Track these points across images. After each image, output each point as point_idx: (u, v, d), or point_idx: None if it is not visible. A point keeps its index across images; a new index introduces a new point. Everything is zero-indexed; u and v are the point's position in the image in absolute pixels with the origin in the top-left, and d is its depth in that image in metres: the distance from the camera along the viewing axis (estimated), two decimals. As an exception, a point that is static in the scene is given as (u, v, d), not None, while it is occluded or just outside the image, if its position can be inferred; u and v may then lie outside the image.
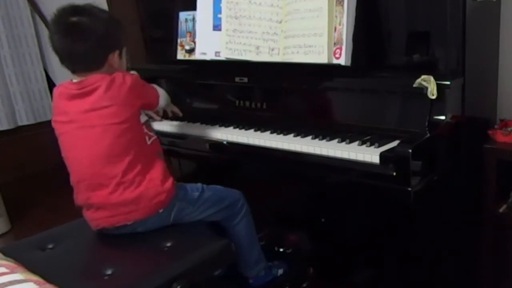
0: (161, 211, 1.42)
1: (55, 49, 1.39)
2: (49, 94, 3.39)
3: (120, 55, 1.46)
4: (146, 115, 1.54)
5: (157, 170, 1.41)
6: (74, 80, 1.41)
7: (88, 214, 1.45)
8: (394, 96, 1.42)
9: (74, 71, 1.42)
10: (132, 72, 1.77)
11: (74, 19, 1.37)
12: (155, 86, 1.61)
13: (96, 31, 1.37)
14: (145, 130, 1.46)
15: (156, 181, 1.39)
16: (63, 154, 1.43)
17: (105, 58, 1.40)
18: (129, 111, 1.37)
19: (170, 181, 1.43)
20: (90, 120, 1.36)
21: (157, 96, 1.55)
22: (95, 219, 1.44)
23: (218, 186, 1.57)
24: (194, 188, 1.51)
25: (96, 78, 1.37)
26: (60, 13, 1.38)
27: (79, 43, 1.36)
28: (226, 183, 1.63)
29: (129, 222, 1.40)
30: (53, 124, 1.44)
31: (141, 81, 1.46)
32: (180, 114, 1.83)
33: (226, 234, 1.56)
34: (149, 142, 1.45)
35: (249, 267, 1.63)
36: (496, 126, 1.54)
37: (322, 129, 1.50)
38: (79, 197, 1.44)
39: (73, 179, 1.44)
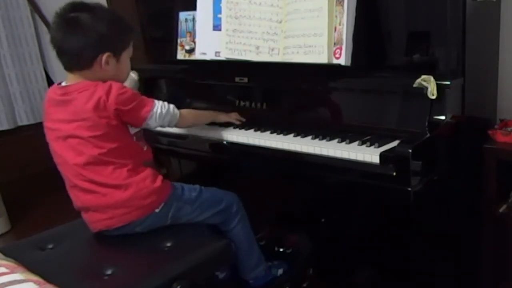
0: (157, 210, 1.42)
1: (51, 41, 1.39)
2: (49, 94, 3.39)
3: (117, 58, 1.42)
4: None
5: (146, 171, 1.41)
6: (63, 83, 1.42)
7: (86, 217, 1.46)
8: (394, 96, 1.42)
9: (65, 67, 1.41)
10: (133, 73, 1.75)
11: (72, 14, 1.36)
12: (155, 104, 1.44)
13: (90, 28, 1.35)
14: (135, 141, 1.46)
15: (146, 182, 1.39)
16: (54, 160, 1.44)
17: (93, 57, 1.37)
18: (108, 124, 1.35)
19: (159, 178, 1.43)
20: (71, 130, 1.36)
21: (144, 118, 1.41)
22: (93, 222, 1.44)
23: (215, 188, 1.57)
24: (192, 189, 1.51)
25: (78, 86, 1.37)
26: (65, 7, 1.38)
27: (69, 37, 1.36)
28: (226, 183, 1.63)
29: (125, 223, 1.40)
30: (44, 129, 1.45)
31: (128, 99, 1.37)
32: (236, 121, 1.70)
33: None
34: (145, 149, 1.48)
35: (248, 270, 1.63)
36: (496, 126, 1.54)
37: (322, 129, 1.50)
38: (75, 201, 1.45)
39: (66, 184, 1.45)
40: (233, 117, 1.69)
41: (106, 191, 1.37)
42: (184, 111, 1.57)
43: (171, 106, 1.50)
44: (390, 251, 1.64)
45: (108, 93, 1.34)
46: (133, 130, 1.46)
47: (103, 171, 1.36)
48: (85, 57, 1.37)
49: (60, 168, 1.44)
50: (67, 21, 1.37)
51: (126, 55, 1.46)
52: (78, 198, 1.43)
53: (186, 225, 1.48)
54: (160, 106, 1.45)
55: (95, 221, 1.43)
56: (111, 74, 1.41)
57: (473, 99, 1.43)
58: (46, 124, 1.44)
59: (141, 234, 1.43)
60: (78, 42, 1.35)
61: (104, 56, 1.38)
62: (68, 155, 1.38)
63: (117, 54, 1.42)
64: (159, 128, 1.66)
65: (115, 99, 1.34)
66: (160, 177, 1.43)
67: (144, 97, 1.45)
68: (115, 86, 1.36)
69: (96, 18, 1.37)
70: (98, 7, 1.42)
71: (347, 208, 1.78)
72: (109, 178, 1.36)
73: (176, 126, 1.56)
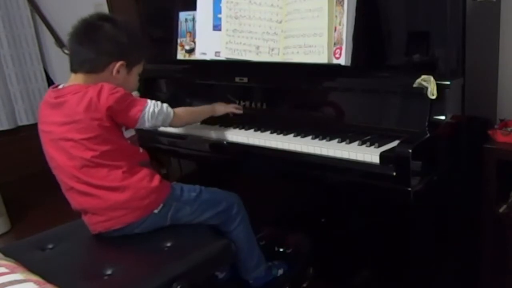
0: (156, 211, 1.42)
1: (68, 41, 1.44)
2: (49, 94, 3.40)
3: (128, 70, 1.45)
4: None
5: (143, 172, 1.41)
6: (60, 86, 1.42)
7: (85, 219, 1.46)
8: (394, 96, 1.42)
9: (72, 68, 1.42)
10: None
11: (96, 22, 1.42)
12: (147, 103, 1.42)
13: (110, 36, 1.40)
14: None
15: (143, 182, 1.39)
16: (48, 163, 1.44)
17: (107, 63, 1.40)
18: (100, 126, 1.34)
19: (157, 178, 1.42)
20: (63, 133, 1.36)
21: (137, 117, 1.39)
22: (92, 223, 1.44)
23: (216, 189, 1.57)
24: (192, 189, 1.50)
25: (72, 88, 1.38)
26: (91, 15, 1.44)
27: (89, 41, 1.40)
28: (226, 183, 1.63)
29: (124, 225, 1.40)
30: (39, 131, 1.45)
31: (120, 98, 1.36)
32: (236, 111, 1.69)
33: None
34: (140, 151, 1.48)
35: (249, 271, 1.63)
36: (496, 126, 1.54)
37: (322, 129, 1.50)
38: (73, 203, 1.45)
39: (62, 187, 1.44)
40: (232, 108, 1.68)
41: (102, 193, 1.37)
42: (178, 109, 1.53)
43: (164, 105, 1.47)
44: (390, 251, 1.64)
45: (99, 93, 1.34)
46: (127, 135, 1.46)
47: (97, 174, 1.36)
48: (99, 61, 1.40)
49: (55, 171, 1.43)
50: (90, 26, 1.41)
51: (136, 70, 1.50)
52: (75, 201, 1.43)
53: (186, 225, 1.48)
54: (152, 105, 1.43)
55: (94, 223, 1.43)
56: (118, 83, 1.41)
57: (473, 99, 1.43)
58: (41, 127, 1.44)
59: (141, 234, 1.43)
60: (96, 46, 1.39)
61: (118, 64, 1.41)
62: (61, 158, 1.38)
63: (129, 65, 1.45)
64: (159, 128, 1.66)
65: (106, 99, 1.34)
66: (157, 177, 1.43)
67: (136, 97, 1.45)
68: (107, 86, 1.36)
69: (118, 28, 1.42)
70: (122, 20, 1.46)
71: (347, 208, 1.78)
72: (104, 180, 1.36)
73: (171, 125, 1.53)
